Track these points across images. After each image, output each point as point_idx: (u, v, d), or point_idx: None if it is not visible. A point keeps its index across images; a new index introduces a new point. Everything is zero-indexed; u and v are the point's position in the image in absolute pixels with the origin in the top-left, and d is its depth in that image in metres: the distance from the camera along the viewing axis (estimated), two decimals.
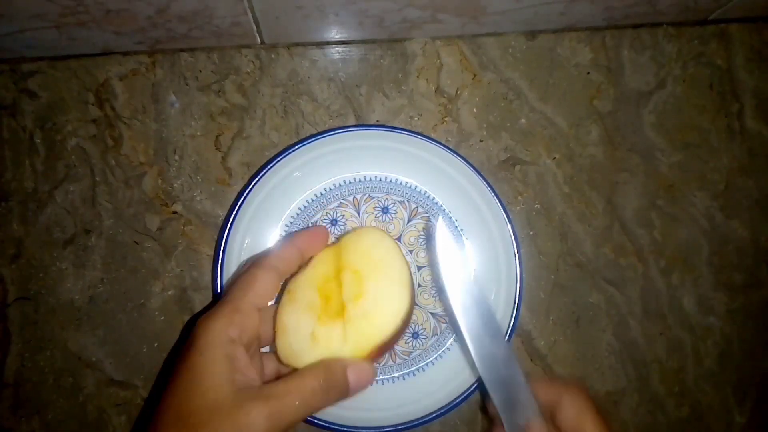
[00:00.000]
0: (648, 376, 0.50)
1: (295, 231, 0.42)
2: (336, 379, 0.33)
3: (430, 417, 0.43)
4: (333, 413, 0.43)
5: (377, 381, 0.45)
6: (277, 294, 0.36)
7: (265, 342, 0.36)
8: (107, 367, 0.46)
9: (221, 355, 0.31)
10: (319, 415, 0.42)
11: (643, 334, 0.50)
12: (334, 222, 0.47)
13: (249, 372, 0.32)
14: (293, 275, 0.38)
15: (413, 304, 0.37)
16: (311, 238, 0.38)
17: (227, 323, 0.32)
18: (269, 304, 0.36)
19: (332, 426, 0.43)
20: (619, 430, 0.50)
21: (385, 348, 0.36)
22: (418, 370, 0.46)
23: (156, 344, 0.47)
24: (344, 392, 0.33)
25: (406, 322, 0.36)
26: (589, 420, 0.36)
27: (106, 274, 0.47)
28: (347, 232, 0.38)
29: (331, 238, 0.42)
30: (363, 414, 0.44)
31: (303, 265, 0.38)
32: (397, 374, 0.46)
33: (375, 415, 0.44)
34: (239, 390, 0.30)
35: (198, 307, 0.47)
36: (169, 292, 0.47)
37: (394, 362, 0.46)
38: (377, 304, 0.35)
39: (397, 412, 0.44)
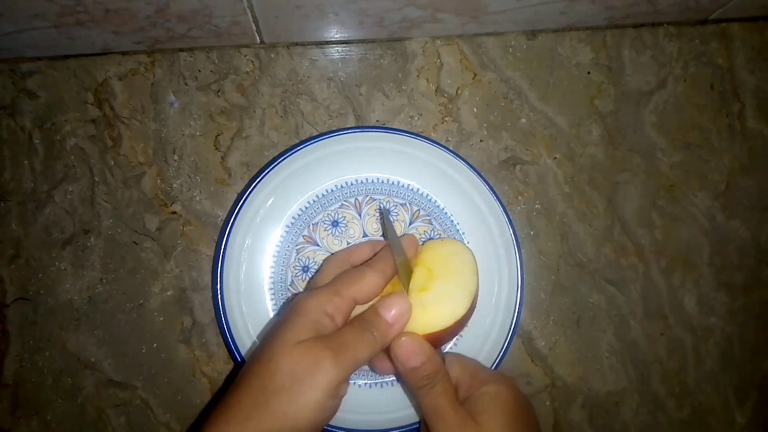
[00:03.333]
0: (649, 376, 0.50)
1: (388, 240, 0.42)
2: (369, 320, 0.35)
3: None
4: (337, 417, 0.43)
5: (379, 384, 0.45)
6: (379, 295, 0.38)
7: None
8: (106, 368, 0.46)
9: (310, 320, 0.34)
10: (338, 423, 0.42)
11: (644, 335, 0.50)
12: (335, 224, 0.46)
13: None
14: None
15: (470, 314, 0.39)
16: (409, 245, 0.40)
17: (325, 301, 0.35)
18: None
19: (336, 430, 0.42)
20: (620, 431, 0.49)
21: (434, 341, 0.37)
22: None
23: (155, 345, 0.46)
24: (383, 327, 0.35)
25: (460, 325, 0.38)
26: (469, 361, 0.41)
27: (105, 274, 0.47)
28: (432, 239, 0.42)
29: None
30: (367, 417, 0.43)
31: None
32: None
33: (379, 417, 0.44)
34: (313, 337, 0.33)
35: (197, 308, 0.47)
36: (168, 293, 0.47)
37: None
38: (438, 300, 0.37)
39: (402, 414, 0.44)
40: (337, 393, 0.33)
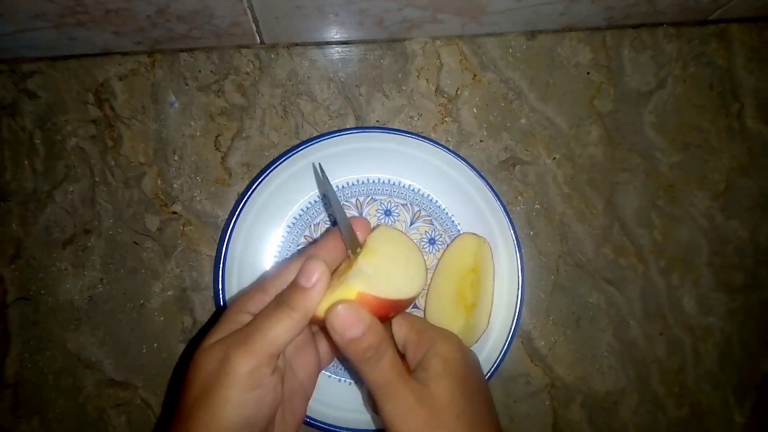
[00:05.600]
0: (648, 376, 0.50)
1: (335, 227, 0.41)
2: (282, 295, 0.33)
3: None
4: (332, 416, 0.43)
5: None
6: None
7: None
8: (107, 368, 0.46)
9: (231, 321, 0.33)
10: (320, 417, 0.43)
11: (643, 335, 0.50)
12: (336, 224, 0.46)
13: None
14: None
15: (412, 302, 0.38)
16: (356, 228, 0.38)
17: (248, 299, 0.34)
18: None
19: (334, 428, 0.43)
20: (619, 431, 0.50)
21: (380, 314, 0.35)
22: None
23: (155, 344, 0.47)
24: (297, 295, 0.32)
25: (406, 304, 0.37)
26: (415, 320, 0.38)
27: (106, 274, 0.47)
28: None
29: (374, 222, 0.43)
30: (365, 416, 0.44)
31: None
32: None
33: (377, 417, 0.44)
34: (224, 337, 0.32)
35: (198, 308, 0.47)
36: (169, 293, 0.47)
37: None
38: (391, 271, 0.36)
39: None
40: (256, 383, 0.30)
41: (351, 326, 0.32)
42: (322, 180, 0.40)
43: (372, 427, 0.43)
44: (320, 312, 0.33)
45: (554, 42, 0.52)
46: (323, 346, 0.39)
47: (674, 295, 0.51)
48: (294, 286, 0.33)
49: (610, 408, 0.50)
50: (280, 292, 0.33)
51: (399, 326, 0.37)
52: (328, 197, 0.38)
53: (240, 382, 0.29)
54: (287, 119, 0.49)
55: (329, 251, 0.36)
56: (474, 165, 0.46)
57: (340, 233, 0.37)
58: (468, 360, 0.36)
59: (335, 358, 0.42)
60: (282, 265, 0.36)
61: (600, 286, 0.50)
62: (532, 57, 0.52)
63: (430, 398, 0.32)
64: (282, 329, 0.31)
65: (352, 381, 0.46)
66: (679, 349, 0.51)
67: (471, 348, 0.41)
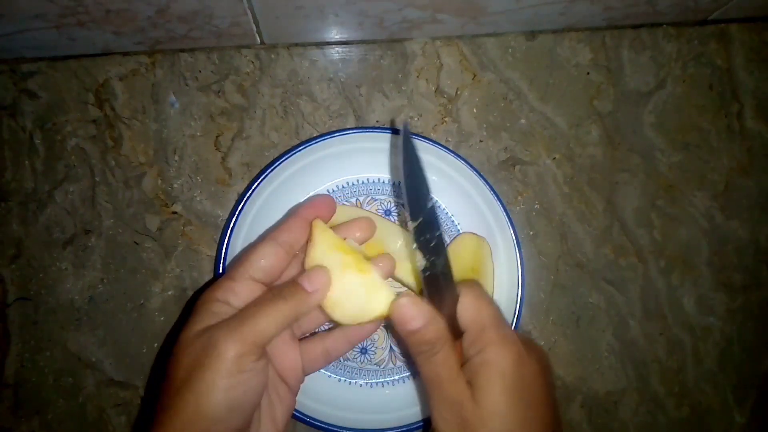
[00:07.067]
0: (648, 376, 0.50)
1: (301, 203, 0.43)
2: (281, 288, 0.34)
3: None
4: (334, 415, 0.43)
5: (380, 384, 0.45)
6: (284, 264, 0.36)
7: None
8: (107, 368, 0.46)
9: (203, 310, 0.33)
10: (320, 417, 0.43)
11: (643, 334, 0.50)
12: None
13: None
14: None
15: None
16: (317, 209, 0.38)
17: (215, 288, 0.34)
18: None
19: (334, 428, 0.43)
20: (619, 430, 0.50)
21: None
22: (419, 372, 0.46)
23: (156, 344, 0.47)
24: (298, 292, 0.34)
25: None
26: (485, 309, 0.34)
27: (106, 274, 0.47)
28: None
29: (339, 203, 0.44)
30: (365, 416, 0.44)
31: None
32: (397, 377, 0.46)
33: (377, 417, 0.44)
34: (209, 325, 0.32)
35: None
36: (169, 293, 0.47)
37: (395, 365, 0.46)
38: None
39: (399, 415, 0.44)
40: (242, 367, 0.31)
41: (412, 319, 0.33)
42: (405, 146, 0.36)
43: (372, 426, 0.43)
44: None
45: (554, 42, 0.52)
46: (318, 348, 0.39)
47: (674, 295, 0.51)
48: (295, 285, 0.34)
49: (610, 408, 0.50)
50: (279, 287, 0.34)
51: (466, 311, 0.35)
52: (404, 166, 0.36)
53: (226, 367, 0.30)
54: (287, 119, 0.49)
55: (292, 233, 0.37)
56: (474, 165, 0.46)
57: (302, 215, 0.38)
58: (524, 374, 0.33)
59: (331, 360, 0.41)
60: (247, 252, 0.36)
61: (600, 286, 0.50)
62: (532, 57, 0.52)
63: (474, 406, 0.32)
64: (272, 322, 0.32)
65: (351, 381, 0.46)
66: (679, 349, 0.51)
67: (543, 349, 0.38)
